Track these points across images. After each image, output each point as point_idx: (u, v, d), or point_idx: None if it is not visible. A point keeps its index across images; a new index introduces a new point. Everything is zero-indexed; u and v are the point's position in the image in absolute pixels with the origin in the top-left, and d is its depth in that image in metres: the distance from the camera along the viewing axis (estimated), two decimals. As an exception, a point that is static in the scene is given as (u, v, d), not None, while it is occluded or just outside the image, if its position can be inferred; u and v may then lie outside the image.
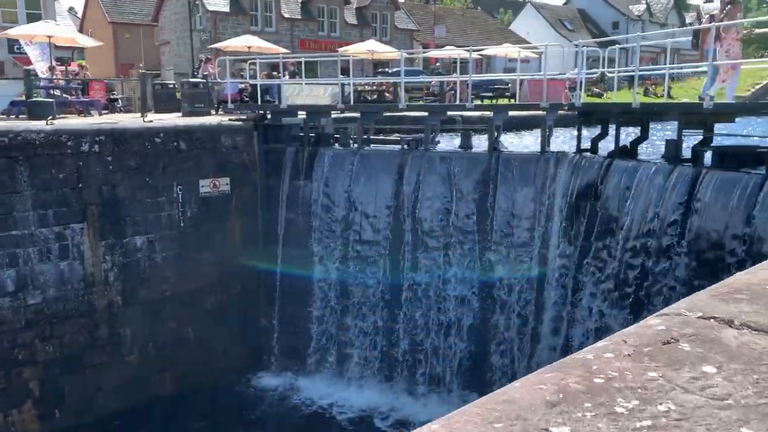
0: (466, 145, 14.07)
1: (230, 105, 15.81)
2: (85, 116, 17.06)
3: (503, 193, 12.74)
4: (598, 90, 38.38)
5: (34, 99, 15.12)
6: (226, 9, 32.73)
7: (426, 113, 14.00)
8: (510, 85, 30.66)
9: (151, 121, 14.09)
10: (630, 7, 59.94)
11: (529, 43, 51.50)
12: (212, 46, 25.20)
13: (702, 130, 10.02)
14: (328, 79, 21.48)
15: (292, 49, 35.61)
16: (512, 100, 29.62)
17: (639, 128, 11.51)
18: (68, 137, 12.27)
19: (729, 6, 9.19)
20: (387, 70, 34.00)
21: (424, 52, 31.32)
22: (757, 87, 42.41)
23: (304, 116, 15.11)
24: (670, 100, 37.60)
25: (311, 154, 14.81)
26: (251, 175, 15.12)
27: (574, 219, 11.59)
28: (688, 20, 64.22)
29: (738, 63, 8.85)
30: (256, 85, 20.59)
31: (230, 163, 14.72)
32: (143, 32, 38.17)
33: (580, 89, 12.89)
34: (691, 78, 44.39)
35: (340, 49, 27.92)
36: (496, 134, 13.51)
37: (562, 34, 53.96)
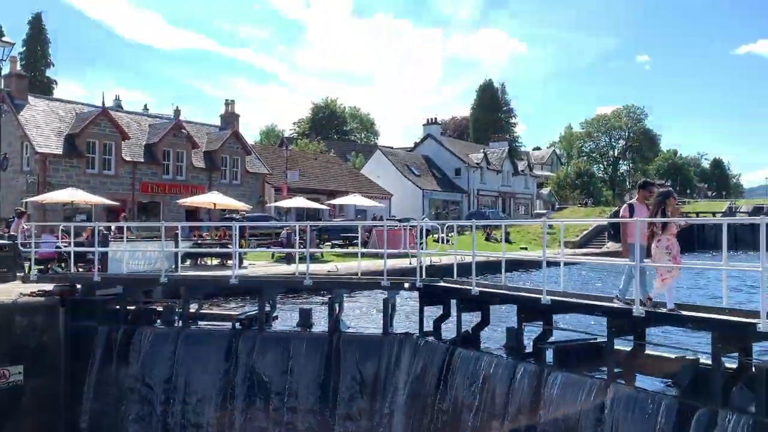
0: (305, 323, 12.95)
1: (33, 274, 13.56)
2: None
3: (345, 378, 11.61)
4: (443, 235, 39.62)
5: None
6: (59, 151, 30.44)
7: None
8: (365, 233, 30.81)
9: None
10: (469, 155, 64.75)
11: (379, 186, 53.35)
12: (30, 199, 22.76)
13: (541, 322, 9.73)
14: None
15: (133, 193, 33.69)
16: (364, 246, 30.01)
17: (480, 313, 11.10)
18: None
19: (665, 198, 8.23)
20: (235, 216, 32.86)
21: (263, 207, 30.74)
22: (584, 233, 46.29)
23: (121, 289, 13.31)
24: (508, 245, 39.74)
25: (127, 334, 12.91)
26: (52, 361, 12.80)
27: (417, 409, 10.64)
28: (520, 167, 70.48)
29: (679, 266, 8.20)
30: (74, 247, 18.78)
31: (25, 347, 12.39)
32: (-40, 170, 34.40)
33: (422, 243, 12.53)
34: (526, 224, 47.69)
35: (181, 201, 26.61)
36: (337, 310, 12.60)
37: (409, 178, 56.55)
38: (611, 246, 43.16)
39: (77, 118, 32.56)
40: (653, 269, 8.33)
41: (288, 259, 24.49)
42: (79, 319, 13.21)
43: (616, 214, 9.60)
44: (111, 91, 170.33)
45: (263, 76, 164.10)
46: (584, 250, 41.27)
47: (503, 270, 10.69)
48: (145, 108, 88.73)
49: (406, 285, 12.02)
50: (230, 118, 41.56)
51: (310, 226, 19.27)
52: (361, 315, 15.93)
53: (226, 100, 42.20)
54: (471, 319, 11.85)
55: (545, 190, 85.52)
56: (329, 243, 31.43)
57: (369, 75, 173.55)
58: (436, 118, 67.46)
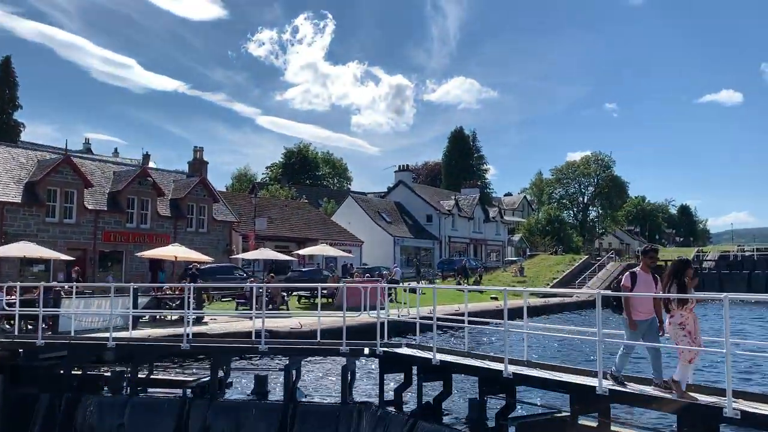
0: (260, 391, 12.33)
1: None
2: None
3: (301, 451, 10.99)
4: (414, 286, 39.14)
5: None
6: (17, 199, 29.56)
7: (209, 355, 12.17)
8: (332, 288, 30.17)
9: None
10: (441, 202, 64.92)
11: (350, 233, 52.93)
12: None
13: (504, 395, 9.32)
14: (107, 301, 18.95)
15: (95, 242, 32.77)
16: (331, 300, 29.35)
17: (442, 382, 10.65)
18: None
19: (683, 268, 7.49)
20: (198, 265, 32.05)
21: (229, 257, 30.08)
22: (555, 281, 46.27)
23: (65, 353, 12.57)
24: (479, 294, 39.42)
25: (71, 403, 12.14)
26: (-12, 433, 11.96)
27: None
28: (491, 214, 70.80)
29: (695, 348, 7.37)
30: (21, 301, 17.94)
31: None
32: None
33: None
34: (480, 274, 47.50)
35: (141, 253, 25.85)
36: (294, 377, 12.04)
37: (381, 225, 56.29)
38: (581, 295, 43.27)
39: (39, 165, 31.80)
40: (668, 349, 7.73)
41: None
42: (20, 385, 12.43)
43: (618, 282, 8.76)
44: (82, 134, 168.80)
45: (238, 119, 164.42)
46: (556, 300, 41.15)
47: (466, 336, 10.28)
48: (116, 151, 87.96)
49: (366, 351, 11.56)
50: (198, 165, 41.09)
51: (265, 287, 18.79)
52: (322, 377, 15.32)
53: (195, 147, 41.89)
54: (434, 387, 11.40)
55: (516, 237, 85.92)
56: (295, 294, 30.79)
57: (344, 119, 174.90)
58: (407, 165, 67.80)
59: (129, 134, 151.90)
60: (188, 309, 12.51)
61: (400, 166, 66.70)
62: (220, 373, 12.56)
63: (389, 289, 31.09)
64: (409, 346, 11.96)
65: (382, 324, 11.80)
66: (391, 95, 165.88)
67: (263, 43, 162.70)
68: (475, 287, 38.64)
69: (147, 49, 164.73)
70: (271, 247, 44.41)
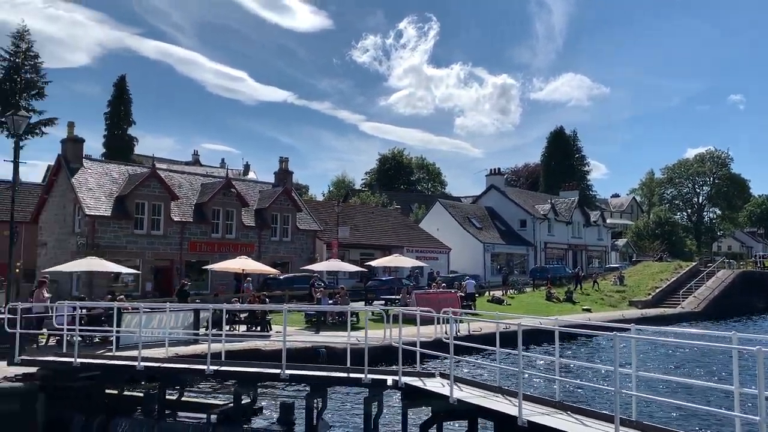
0: (286, 419, 11.79)
1: (17, 359, 13.09)
2: None
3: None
4: (499, 295, 37.65)
5: None
6: (107, 213, 31.13)
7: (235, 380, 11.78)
8: (401, 296, 29.45)
9: None
10: (536, 206, 62.39)
11: (437, 239, 51.92)
12: (46, 270, 22.86)
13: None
14: (181, 306, 19.26)
15: (181, 253, 33.93)
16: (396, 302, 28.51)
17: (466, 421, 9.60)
18: None
19: None
20: (279, 276, 32.37)
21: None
22: (657, 290, 42.86)
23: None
24: (570, 305, 37.13)
25: (103, 425, 12.17)
26: (28, 451, 12.20)
27: None
28: (592, 218, 67.21)
29: None
30: (86, 316, 18.56)
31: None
32: (24, 230, 35.91)
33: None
34: (596, 279, 44.62)
35: (208, 266, 26.31)
36: (320, 407, 11.41)
37: (470, 231, 54.82)
38: (687, 305, 39.74)
39: (129, 180, 33.38)
40: None
41: (318, 324, 23.54)
42: (58, 406, 12.61)
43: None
44: (200, 145, 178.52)
45: (342, 126, 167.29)
46: (657, 310, 38.05)
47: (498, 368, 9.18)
48: (222, 162, 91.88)
49: (389, 382, 10.69)
50: (283, 175, 41.71)
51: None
52: (350, 402, 14.43)
53: (281, 157, 42.57)
54: (463, 425, 10.35)
55: (622, 241, 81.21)
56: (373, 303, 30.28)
57: (447, 122, 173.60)
58: (499, 169, 65.72)
59: (241, 144, 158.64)
60: (215, 330, 12.19)
61: (491, 169, 64.82)
62: (247, 399, 12.20)
63: (466, 302, 30.21)
64: (442, 376, 10.96)
65: (401, 347, 10.88)
66: (496, 95, 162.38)
67: (367, 50, 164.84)
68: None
69: (257, 61, 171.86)
70: (356, 255, 44.49)
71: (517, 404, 8.11)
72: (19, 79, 73.56)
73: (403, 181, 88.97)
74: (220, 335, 12.84)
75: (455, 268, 50.45)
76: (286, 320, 12.03)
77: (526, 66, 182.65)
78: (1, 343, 14.88)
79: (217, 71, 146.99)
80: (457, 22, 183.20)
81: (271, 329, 22.29)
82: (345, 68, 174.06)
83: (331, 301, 25.89)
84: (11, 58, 73.82)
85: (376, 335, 13.62)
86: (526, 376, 15.84)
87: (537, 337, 22.78)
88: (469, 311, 25.71)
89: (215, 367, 11.68)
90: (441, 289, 31.18)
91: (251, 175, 77.03)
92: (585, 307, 36.51)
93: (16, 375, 12.84)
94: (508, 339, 10.82)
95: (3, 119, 72.27)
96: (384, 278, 36.89)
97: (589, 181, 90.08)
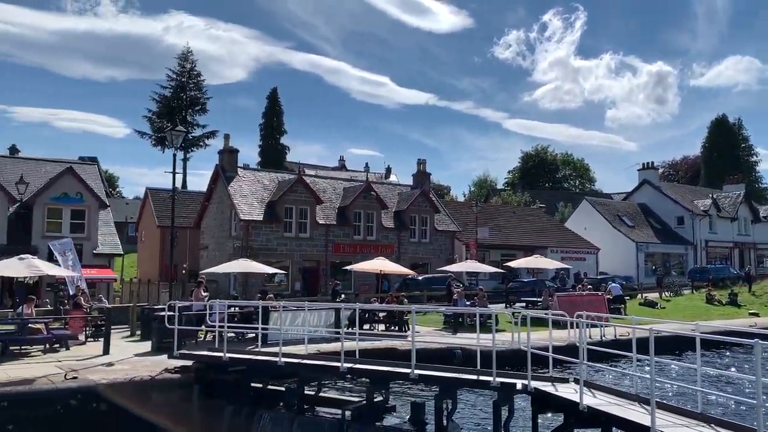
0: (417, 419, 11.91)
1: (175, 353, 14.42)
2: (45, 353, 16.36)
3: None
4: (652, 299, 35.20)
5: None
6: (260, 217, 33.33)
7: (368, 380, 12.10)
8: (542, 298, 28.54)
9: (75, 377, 12.92)
10: (695, 201, 57.68)
11: (584, 239, 49.76)
12: (204, 272, 24.80)
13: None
14: (323, 305, 20.19)
15: (326, 254, 35.45)
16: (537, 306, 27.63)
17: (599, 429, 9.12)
18: (-40, 405, 11.20)
19: None
20: (417, 277, 32.77)
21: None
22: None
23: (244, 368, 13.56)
24: (735, 309, 33.80)
25: (249, 416, 13.05)
26: (186, 437, 13.37)
27: None
28: (762, 213, 60.88)
29: None
30: (238, 314, 19.99)
31: (162, 425, 13.09)
32: (190, 235, 39.45)
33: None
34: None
35: (348, 267, 27.17)
36: (450, 409, 11.43)
37: (620, 230, 51.86)
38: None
39: (278, 186, 35.49)
40: None
41: (455, 325, 23.50)
42: (211, 396, 13.70)
43: None
44: (347, 151, 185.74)
45: (484, 125, 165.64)
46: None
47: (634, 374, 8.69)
48: (366, 166, 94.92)
49: (518, 386, 10.45)
50: (421, 177, 42.17)
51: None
52: (483, 410, 14.15)
53: (418, 159, 43.01)
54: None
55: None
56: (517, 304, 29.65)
57: (597, 115, 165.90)
58: (652, 162, 61.51)
59: (384, 147, 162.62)
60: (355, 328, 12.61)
61: (644, 164, 60.79)
62: (380, 397, 12.48)
63: (614, 305, 28.60)
64: (577, 382, 10.49)
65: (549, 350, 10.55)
66: (651, 84, 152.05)
67: (510, 46, 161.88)
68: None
69: (398, 66, 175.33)
70: (497, 255, 43.84)
71: (661, 414, 7.59)
72: (184, 96, 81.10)
73: (548, 179, 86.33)
74: (358, 334, 13.25)
75: (605, 269, 48.02)
76: (414, 321, 12.15)
77: (684, 51, 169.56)
78: (164, 338, 16.56)
79: (361, 78, 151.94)
80: (606, 10, 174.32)
81: (408, 329, 22.65)
82: (486, 66, 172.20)
83: (469, 303, 25.73)
84: (178, 78, 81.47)
85: (508, 338, 13.37)
86: (669, 385, 14.78)
87: (692, 344, 21.03)
88: (609, 315, 24.36)
89: (349, 365, 12.09)
90: (586, 292, 29.82)
91: (392, 178, 78.71)
92: (752, 311, 33.14)
93: (175, 367, 14.13)
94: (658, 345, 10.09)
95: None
96: (526, 280, 35.99)
97: (757, 172, 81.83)
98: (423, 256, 39.25)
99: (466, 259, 37.34)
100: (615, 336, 21.72)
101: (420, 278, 32.87)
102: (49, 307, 23.43)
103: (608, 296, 28.30)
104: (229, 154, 35.48)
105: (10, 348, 16.02)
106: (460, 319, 24.25)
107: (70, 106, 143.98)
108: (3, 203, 30.30)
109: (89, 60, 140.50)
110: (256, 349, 15.04)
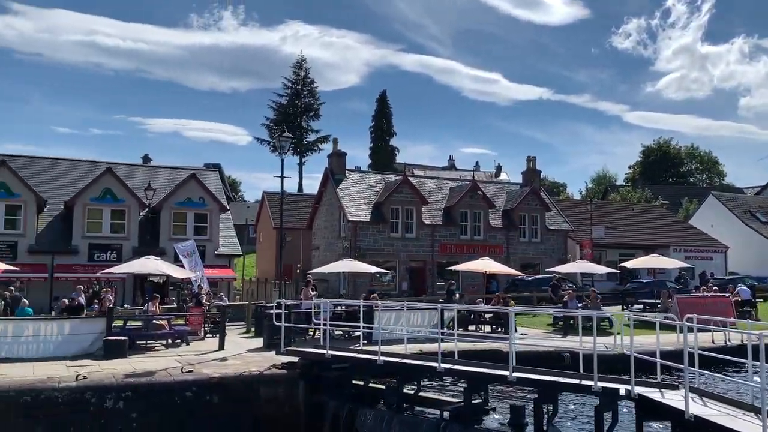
0: (517, 422, 11.67)
1: (282, 349, 15.04)
2: (167, 348, 17.65)
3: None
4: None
5: (108, 338, 15.88)
6: (367, 218, 33.97)
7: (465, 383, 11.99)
8: (661, 300, 26.89)
9: (191, 371, 13.83)
10: (843, 194, 52.13)
11: (711, 237, 46.48)
12: (311, 271, 25.56)
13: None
14: (421, 305, 20.27)
15: (432, 254, 35.50)
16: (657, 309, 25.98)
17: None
18: (92, 394, 12.31)
19: None
20: (527, 278, 32.03)
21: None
22: None
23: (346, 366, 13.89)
24: None
25: (351, 413, 13.35)
26: None
27: None
28: None
29: None
30: (344, 312, 20.49)
31: (269, 417, 13.72)
32: (303, 236, 40.96)
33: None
34: None
35: (451, 267, 27.01)
36: (550, 413, 11.09)
37: (752, 227, 47.89)
38: None
39: (384, 187, 36.00)
40: None
41: (565, 328, 22.70)
42: (315, 392, 14.16)
43: None
44: (459, 150, 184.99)
45: (603, 118, 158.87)
46: None
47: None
48: (476, 165, 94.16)
49: (621, 392, 9.94)
50: (531, 175, 41.17)
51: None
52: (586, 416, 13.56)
53: (528, 156, 42.00)
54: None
55: None
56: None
57: (729, 104, 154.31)
58: (791, 152, 56.25)
59: (496, 145, 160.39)
60: (460, 329, 12.58)
61: (780, 154, 55.82)
62: (479, 399, 12.35)
63: (743, 308, 26.39)
64: (692, 390, 9.83)
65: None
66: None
67: (630, 35, 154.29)
68: None
69: (511, 61, 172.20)
70: (614, 255, 41.88)
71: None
72: (299, 103, 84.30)
73: (671, 174, 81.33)
74: (460, 334, 13.20)
75: (735, 268, 44.55)
76: (512, 322, 11.91)
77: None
78: (274, 334, 17.30)
79: (473, 76, 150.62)
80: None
81: (516, 331, 22.20)
82: (604, 57, 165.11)
83: (580, 305, 24.80)
84: (293, 86, 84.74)
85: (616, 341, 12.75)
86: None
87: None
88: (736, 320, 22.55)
89: (446, 366, 12.06)
90: (710, 293, 27.80)
91: (503, 176, 77.44)
92: None
93: (282, 363, 14.73)
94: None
95: (293, 139, 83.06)
96: (645, 280, 34.15)
97: None
98: (533, 257, 38.31)
99: (580, 258, 36.01)
100: (742, 341, 20.10)
101: (530, 279, 32.12)
102: (174, 305, 25.19)
103: (736, 298, 26.19)
104: (337, 157, 36.46)
105: (137, 342, 17.39)
106: (571, 321, 23.42)
107: (198, 117, 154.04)
108: (135, 208, 32.93)
109: (214, 72, 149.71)
110: (359, 348, 15.37)
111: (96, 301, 22.84)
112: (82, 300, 22.35)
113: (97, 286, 27.91)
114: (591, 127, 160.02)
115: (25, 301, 20.19)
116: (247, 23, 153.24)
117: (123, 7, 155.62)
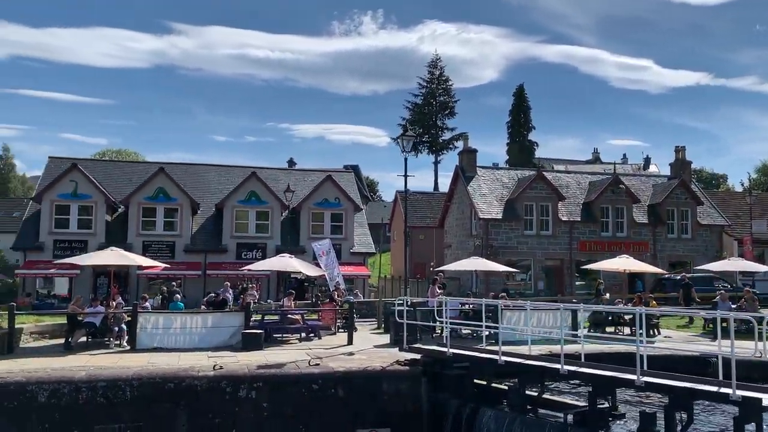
0: (647, 429, 10.88)
1: (404, 346, 15.18)
2: (299, 342, 18.49)
3: None
4: None
5: (245, 331, 16.94)
6: (499, 215, 33.36)
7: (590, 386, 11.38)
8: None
9: (317, 364, 14.38)
10: None
11: None
12: (439, 268, 25.40)
13: None
14: (549, 305, 19.47)
15: (570, 252, 34.11)
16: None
17: None
18: (228, 383, 13.21)
19: None
20: (675, 277, 29.76)
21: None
22: None
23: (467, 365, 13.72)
24: None
25: (473, 412, 13.18)
26: (416, 428, 14.00)
27: None
28: None
29: None
30: (471, 310, 20.22)
31: (391, 413, 13.92)
32: (435, 234, 41.14)
33: None
34: None
35: (586, 266, 25.67)
36: (684, 422, 10.24)
37: None
38: None
39: (517, 183, 35.13)
40: None
41: (714, 331, 20.78)
42: (437, 390, 14.17)
43: None
44: (599, 143, 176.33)
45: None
46: None
47: None
48: (624, 157, 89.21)
49: (764, 402, 8.95)
50: (680, 166, 38.20)
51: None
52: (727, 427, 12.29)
53: (676, 147, 38.96)
54: None
55: None
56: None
57: None
58: None
59: (647, 136, 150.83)
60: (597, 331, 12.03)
61: None
62: (606, 403, 11.70)
63: None
64: None
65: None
66: None
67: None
68: None
69: (662, 47, 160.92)
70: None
71: None
72: (434, 102, 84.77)
73: None
74: (595, 336, 12.60)
75: None
76: (638, 323, 11.13)
77: None
78: (400, 331, 17.51)
79: (621, 64, 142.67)
80: None
81: (658, 333, 20.76)
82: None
83: (734, 306, 22.62)
84: (428, 85, 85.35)
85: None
86: None
87: None
88: None
89: (570, 368, 11.54)
90: None
91: (652, 169, 72.69)
92: None
93: (405, 360, 14.89)
94: None
95: (422, 139, 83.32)
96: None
97: None
98: (683, 254, 35.54)
99: (739, 256, 32.81)
100: None
101: (678, 278, 29.78)
102: (310, 301, 26.35)
103: None
104: (468, 155, 36.16)
105: (273, 335, 18.40)
106: (724, 324, 21.42)
107: (341, 121, 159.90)
108: (277, 210, 34.88)
109: (355, 76, 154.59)
110: (481, 347, 15.14)
111: (242, 296, 24.50)
112: (230, 295, 24.08)
113: (246, 283, 29.93)
114: (756, 112, 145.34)
115: (179, 296, 22.06)
116: (385, 26, 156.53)
117: (270, 20, 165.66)
